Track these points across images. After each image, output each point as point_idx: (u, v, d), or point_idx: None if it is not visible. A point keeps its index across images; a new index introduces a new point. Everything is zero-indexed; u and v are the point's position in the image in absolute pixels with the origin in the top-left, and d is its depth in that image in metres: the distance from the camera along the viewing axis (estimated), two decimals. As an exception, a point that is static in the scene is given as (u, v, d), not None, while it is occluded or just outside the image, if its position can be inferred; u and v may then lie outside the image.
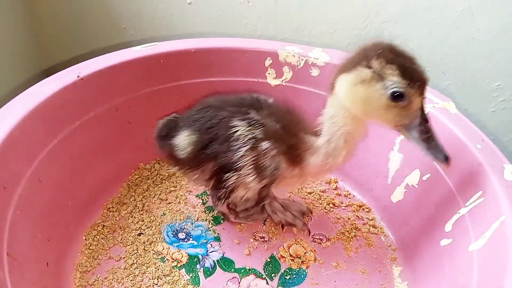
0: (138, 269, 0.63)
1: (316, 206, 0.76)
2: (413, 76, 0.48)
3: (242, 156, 0.56)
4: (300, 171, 0.58)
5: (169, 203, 0.74)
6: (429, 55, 0.79)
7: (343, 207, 0.77)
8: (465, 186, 0.58)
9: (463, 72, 0.79)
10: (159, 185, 0.77)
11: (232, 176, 0.57)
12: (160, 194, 0.75)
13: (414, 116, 0.50)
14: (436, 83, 0.81)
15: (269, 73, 0.79)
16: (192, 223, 0.71)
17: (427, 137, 0.50)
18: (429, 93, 0.69)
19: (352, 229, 0.72)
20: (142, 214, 0.71)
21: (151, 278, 0.62)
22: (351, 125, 0.54)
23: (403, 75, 0.48)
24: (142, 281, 0.62)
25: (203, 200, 0.75)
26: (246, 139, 0.56)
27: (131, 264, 0.64)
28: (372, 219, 0.74)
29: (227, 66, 0.78)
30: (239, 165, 0.56)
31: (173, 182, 0.78)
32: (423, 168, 0.67)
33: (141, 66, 0.73)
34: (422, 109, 0.50)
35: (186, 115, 0.63)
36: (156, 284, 0.62)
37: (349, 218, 0.74)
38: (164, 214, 0.72)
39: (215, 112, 0.60)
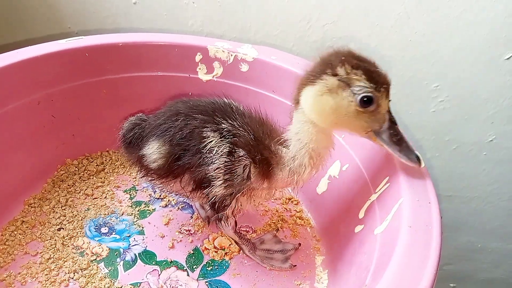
0: (55, 264, 0.62)
1: (245, 199, 0.76)
2: (379, 79, 0.48)
3: (217, 168, 0.54)
4: (269, 184, 0.56)
5: (95, 198, 0.73)
6: (369, 57, 0.81)
7: (272, 200, 0.77)
8: (375, 174, 0.60)
9: (403, 74, 0.81)
10: (86, 181, 0.76)
11: (213, 189, 0.55)
12: (86, 190, 0.74)
13: (383, 120, 0.49)
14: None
15: (200, 69, 0.79)
16: (116, 218, 0.71)
17: (398, 139, 0.50)
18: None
19: (278, 221, 0.73)
20: (64, 209, 0.70)
21: (67, 272, 0.61)
22: (316, 141, 0.52)
23: (369, 79, 0.47)
24: (57, 275, 0.61)
25: (130, 195, 0.75)
26: (220, 150, 0.54)
27: (48, 259, 0.62)
28: (299, 211, 0.76)
29: (157, 61, 0.78)
30: (214, 176, 0.54)
31: (101, 178, 0.77)
32: (343, 159, 0.68)
33: (66, 59, 0.72)
34: (389, 112, 0.50)
35: (154, 122, 0.60)
36: (72, 278, 0.61)
37: (277, 211, 0.75)
38: (88, 209, 0.71)
39: (185, 121, 0.57)
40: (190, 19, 0.88)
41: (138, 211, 0.72)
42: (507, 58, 0.73)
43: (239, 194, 0.55)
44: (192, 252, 0.67)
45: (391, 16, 0.75)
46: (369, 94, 0.47)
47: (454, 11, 0.71)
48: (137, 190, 0.76)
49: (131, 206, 0.73)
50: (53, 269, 0.61)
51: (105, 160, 0.80)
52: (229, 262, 0.66)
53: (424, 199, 0.51)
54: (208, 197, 0.56)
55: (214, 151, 0.54)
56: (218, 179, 0.54)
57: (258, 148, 0.54)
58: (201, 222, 0.72)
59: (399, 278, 0.41)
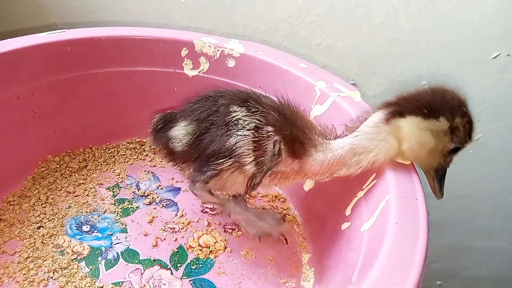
0: (33, 263, 0.60)
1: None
2: (472, 135, 0.51)
3: (241, 138, 0.52)
4: (300, 165, 0.54)
5: (77, 195, 0.71)
6: (358, 55, 0.80)
7: (259, 198, 0.77)
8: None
9: (391, 72, 0.80)
10: (68, 178, 0.74)
11: (227, 161, 0.53)
12: (67, 187, 0.72)
13: (448, 162, 0.53)
14: (365, 82, 0.82)
15: (185, 64, 0.78)
16: (99, 216, 0.69)
17: (442, 177, 0.55)
18: (337, 83, 0.71)
19: (265, 219, 0.72)
20: (45, 207, 0.68)
21: (46, 271, 0.59)
22: (387, 156, 0.53)
23: (470, 135, 0.51)
24: (36, 275, 0.59)
25: (113, 193, 0.73)
26: (246, 123, 0.53)
27: (26, 258, 0.60)
28: (286, 209, 0.75)
29: (142, 55, 0.76)
30: (236, 148, 0.53)
31: (83, 175, 0.75)
32: (330, 156, 0.67)
33: (47, 52, 0.70)
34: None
35: (184, 107, 0.60)
36: (52, 278, 0.59)
37: (264, 208, 0.74)
38: (69, 207, 0.69)
39: (213, 101, 0.57)
40: (178, 14, 0.87)
41: (121, 208, 0.70)
42: (494, 57, 0.73)
43: (269, 172, 0.54)
44: (176, 250, 0.65)
45: (379, 13, 0.75)
46: (463, 147, 0.51)
47: (442, 9, 0.70)
48: (121, 187, 0.74)
49: (114, 203, 0.71)
50: (32, 269, 0.59)
51: (88, 157, 0.78)
52: (214, 260, 0.65)
53: (411, 195, 0.50)
54: (209, 167, 0.55)
55: (241, 124, 0.53)
56: (249, 156, 0.53)
57: (289, 127, 0.53)
58: (185, 219, 0.70)
59: (385, 275, 0.41)
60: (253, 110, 0.54)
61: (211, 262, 0.64)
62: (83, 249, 0.63)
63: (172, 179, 0.78)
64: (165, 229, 0.68)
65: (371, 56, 0.80)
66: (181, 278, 0.62)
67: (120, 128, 0.82)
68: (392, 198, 0.50)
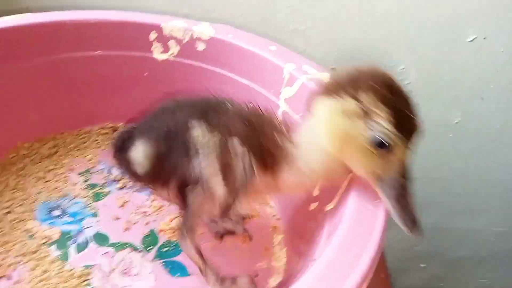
0: (2, 247, 0.60)
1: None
2: (405, 125, 0.40)
3: (203, 158, 0.47)
4: (273, 180, 0.48)
5: (47, 181, 0.71)
6: (336, 39, 0.80)
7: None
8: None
9: (369, 55, 0.80)
10: (38, 164, 0.73)
11: (196, 189, 0.49)
12: (38, 173, 0.72)
13: (392, 169, 0.42)
14: (345, 66, 0.82)
15: (155, 48, 0.77)
16: (69, 200, 0.69)
17: (401, 196, 0.42)
18: (307, 65, 0.71)
19: (237, 201, 0.73)
20: (14, 193, 0.68)
21: (16, 256, 0.59)
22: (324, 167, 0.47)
23: (394, 122, 0.39)
24: (4, 259, 0.59)
25: (85, 178, 0.73)
26: (206, 140, 0.48)
27: (-5, 243, 0.60)
28: (258, 191, 0.75)
29: (110, 39, 0.75)
30: (201, 170, 0.48)
31: (54, 161, 0.75)
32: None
33: (10, 37, 0.68)
34: (403, 162, 0.42)
35: (141, 122, 0.55)
36: (20, 262, 0.59)
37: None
38: (39, 192, 0.69)
39: (171, 115, 0.52)
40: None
41: (92, 193, 0.70)
42: (471, 40, 0.74)
43: (243, 192, 0.48)
44: (148, 233, 0.66)
45: (354, -4, 0.74)
46: (386, 139, 0.40)
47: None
48: (92, 172, 0.74)
49: (85, 188, 0.71)
50: (0, 253, 0.59)
51: (59, 143, 0.77)
52: (185, 242, 0.65)
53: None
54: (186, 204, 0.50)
55: (202, 142, 0.48)
56: (217, 177, 0.48)
57: (257, 136, 0.47)
58: (157, 203, 0.71)
59: (343, 249, 0.42)
60: (214, 122, 0.49)
61: (182, 244, 0.65)
62: (53, 234, 0.63)
63: (145, 163, 0.77)
64: (137, 213, 0.69)
65: (349, 41, 0.80)
66: (152, 260, 0.62)
67: (92, 114, 0.81)
68: (354, 176, 0.51)
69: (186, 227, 0.52)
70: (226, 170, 0.47)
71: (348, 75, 0.44)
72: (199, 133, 0.48)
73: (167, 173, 0.51)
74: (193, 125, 0.49)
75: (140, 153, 0.52)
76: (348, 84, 0.42)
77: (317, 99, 0.45)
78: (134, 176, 0.56)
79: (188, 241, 0.53)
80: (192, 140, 0.48)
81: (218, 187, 0.48)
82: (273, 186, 0.49)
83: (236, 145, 0.47)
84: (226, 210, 0.50)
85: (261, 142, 0.47)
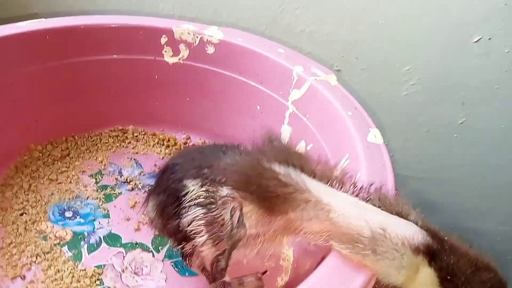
0: (16, 248, 0.61)
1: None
2: None
3: (187, 213, 0.46)
4: (287, 220, 0.41)
5: (59, 183, 0.72)
6: (342, 41, 0.81)
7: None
8: (336, 151, 0.61)
9: (375, 57, 0.80)
10: (50, 166, 0.75)
11: (186, 246, 0.48)
12: (50, 175, 0.73)
13: None
14: (350, 68, 0.83)
15: (165, 51, 0.79)
16: (81, 202, 0.70)
17: None
18: (314, 67, 0.72)
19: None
20: (27, 194, 0.69)
21: (29, 256, 0.60)
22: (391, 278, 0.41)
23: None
24: (19, 259, 0.60)
25: (96, 180, 0.74)
26: (194, 195, 0.46)
27: (9, 244, 0.61)
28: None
29: (121, 44, 0.77)
30: (186, 227, 0.46)
31: (66, 163, 0.76)
32: (307, 139, 0.69)
33: (25, 42, 0.70)
34: None
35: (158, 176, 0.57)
36: (34, 262, 0.60)
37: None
38: (52, 194, 0.70)
39: (169, 174, 0.51)
40: (161, 2, 0.87)
41: (103, 195, 0.71)
42: (476, 41, 0.74)
43: (235, 250, 0.43)
44: (157, 234, 0.67)
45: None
46: None
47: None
48: (103, 174, 0.75)
49: (97, 190, 0.72)
50: (15, 254, 0.60)
51: (70, 146, 0.79)
52: (195, 243, 0.66)
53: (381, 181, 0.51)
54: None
55: (190, 199, 0.45)
56: (200, 235, 0.45)
57: (255, 181, 0.40)
58: (168, 204, 0.71)
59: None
60: (205, 177, 0.46)
61: (192, 245, 0.66)
62: (66, 234, 0.64)
63: (155, 165, 0.79)
64: (147, 214, 0.69)
65: (355, 42, 0.80)
66: (162, 260, 0.63)
67: (103, 116, 0.82)
68: (363, 175, 0.51)
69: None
70: (211, 226, 0.44)
71: (471, 270, 0.42)
72: (189, 189, 0.47)
73: (169, 230, 0.53)
74: (186, 184, 0.48)
75: (149, 207, 0.56)
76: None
77: (431, 269, 0.41)
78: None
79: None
80: (181, 196, 0.47)
81: (204, 247, 0.45)
82: (288, 226, 0.43)
83: (224, 197, 0.43)
84: (219, 273, 0.47)
85: (261, 186, 0.40)
